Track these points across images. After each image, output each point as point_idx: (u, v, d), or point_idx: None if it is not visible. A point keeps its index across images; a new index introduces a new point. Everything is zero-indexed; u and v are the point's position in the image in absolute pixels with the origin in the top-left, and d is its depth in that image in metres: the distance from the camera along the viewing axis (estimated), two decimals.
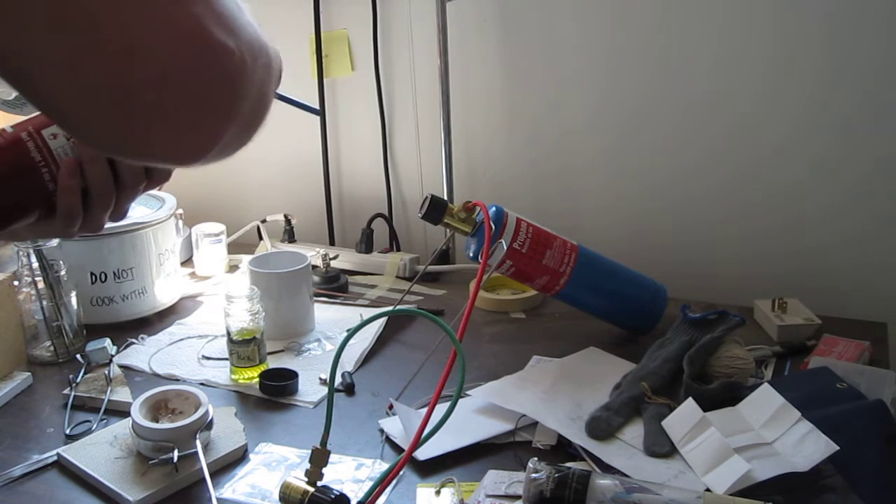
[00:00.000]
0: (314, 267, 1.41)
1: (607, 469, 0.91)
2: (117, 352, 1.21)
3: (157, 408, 0.99)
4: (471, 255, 1.19)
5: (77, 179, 0.61)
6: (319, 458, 0.86)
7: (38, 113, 0.64)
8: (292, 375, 1.12)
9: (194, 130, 0.43)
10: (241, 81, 0.43)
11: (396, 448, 0.98)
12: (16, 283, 1.18)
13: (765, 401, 0.96)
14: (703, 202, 1.44)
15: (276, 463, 0.96)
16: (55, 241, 1.19)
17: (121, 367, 1.18)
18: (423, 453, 0.94)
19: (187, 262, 1.56)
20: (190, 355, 1.22)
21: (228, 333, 1.13)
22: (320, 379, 1.14)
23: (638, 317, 1.24)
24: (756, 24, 1.32)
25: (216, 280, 1.51)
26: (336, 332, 1.29)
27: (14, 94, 1.20)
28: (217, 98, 0.43)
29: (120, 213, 0.66)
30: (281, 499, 0.85)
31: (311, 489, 0.84)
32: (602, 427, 0.97)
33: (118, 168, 0.63)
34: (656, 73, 1.40)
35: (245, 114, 0.45)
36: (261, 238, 1.62)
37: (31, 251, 1.17)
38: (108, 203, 0.64)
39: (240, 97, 0.44)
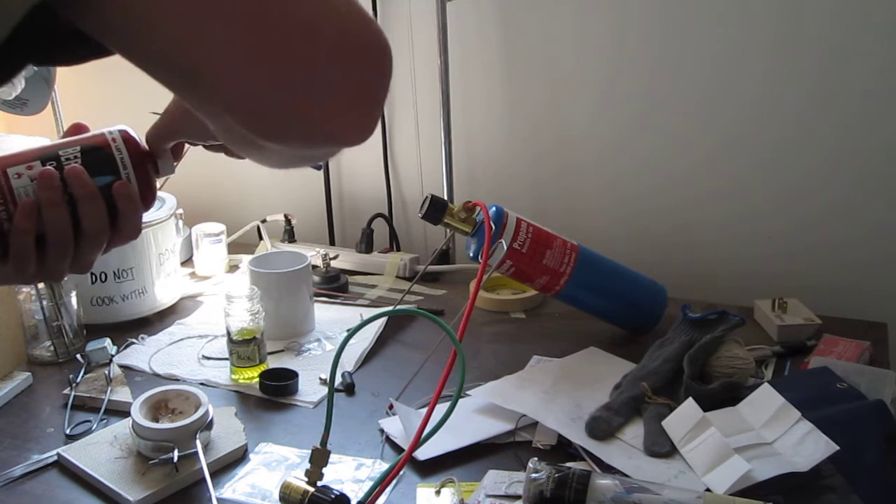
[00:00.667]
0: (314, 267, 1.41)
1: (607, 469, 0.91)
2: (117, 352, 1.21)
3: (157, 408, 0.99)
4: (471, 255, 1.19)
5: (32, 222, 0.59)
6: (319, 458, 0.86)
7: (11, 153, 0.62)
8: (292, 375, 1.12)
9: (363, 107, 0.46)
10: (390, 57, 0.46)
11: (396, 448, 0.98)
12: None
13: (765, 401, 0.96)
14: (703, 202, 1.44)
15: (276, 463, 0.96)
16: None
17: (121, 367, 1.18)
18: (423, 453, 0.94)
19: (187, 262, 1.56)
20: (190, 355, 1.22)
21: (228, 333, 1.13)
22: (320, 379, 1.14)
23: (638, 317, 1.24)
24: (756, 26, 1.32)
25: (216, 280, 1.51)
26: (336, 332, 1.29)
27: (14, 94, 1.20)
28: (378, 73, 0.45)
29: (82, 265, 0.64)
30: (281, 499, 0.85)
31: (311, 489, 0.84)
32: (602, 427, 0.97)
33: (80, 216, 0.61)
34: (656, 73, 1.40)
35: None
36: (261, 238, 1.62)
37: None
38: (65, 252, 0.61)
39: (390, 72, 0.46)
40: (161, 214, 1.33)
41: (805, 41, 1.30)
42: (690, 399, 0.97)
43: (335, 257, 1.49)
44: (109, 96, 1.73)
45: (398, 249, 1.61)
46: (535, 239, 1.17)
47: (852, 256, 1.37)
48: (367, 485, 0.89)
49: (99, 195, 0.61)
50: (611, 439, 0.97)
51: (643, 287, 1.25)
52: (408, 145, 1.61)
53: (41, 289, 1.18)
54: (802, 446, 0.88)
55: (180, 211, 1.45)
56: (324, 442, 0.86)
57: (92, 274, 1.27)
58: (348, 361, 1.18)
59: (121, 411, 1.06)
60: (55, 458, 0.97)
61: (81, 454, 0.96)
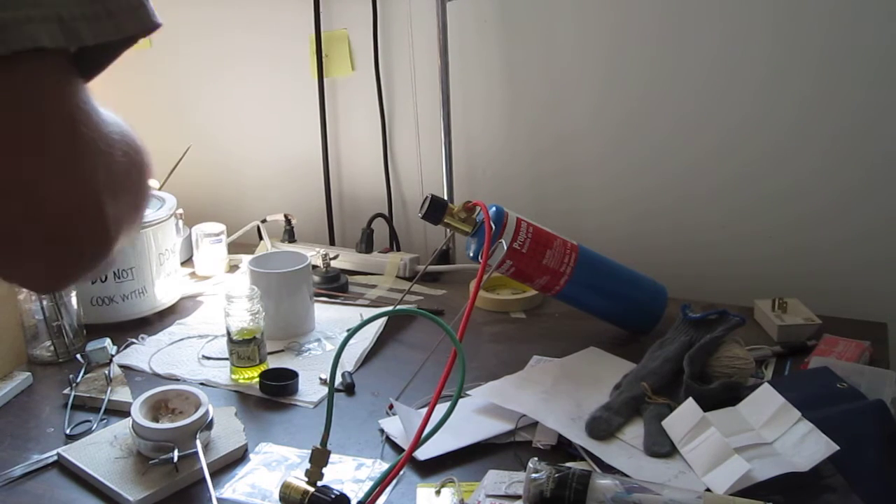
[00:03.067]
0: (314, 267, 1.41)
1: (607, 469, 0.91)
2: (117, 352, 1.21)
3: (157, 408, 0.99)
4: (471, 255, 1.19)
5: None
6: (319, 458, 0.86)
7: None
8: (292, 375, 1.12)
9: (56, 271, 0.45)
10: (109, 244, 0.45)
11: (396, 448, 0.98)
12: None
13: (765, 401, 0.96)
14: (703, 202, 1.44)
15: (276, 463, 0.96)
16: None
17: (121, 366, 1.18)
18: (423, 453, 0.94)
19: (187, 262, 1.55)
20: (190, 355, 1.22)
21: (228, 333, 1.13)
22: (320, 379, 1.14)
23: (638, 317, 1.24)
24: (755, 24, 1.32)
25: (216, 280, 1.51)
26: (336, 332, 1.29)
27: None
28: (80, 255, 0.45)
29: None
30: (281, 499, 0.85)
31: (311, 489, 0.84)
32: (602, 427, 0.97)
33: None
34: (656, 72, 1.40)
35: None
36: (261, 238, 1.62)
37: None
38: None
39: (104, 256, 0.46)
40: (161, 214, 1.33)
41: (805, 39, 1.30)
42: (690, 399, 0.97)
43: (335, 257, 1.49)
44: (109, 97, 1.73)
45: (398, 249, 1.61)
46: (535, 239, 1.17)
47: (852, 256, 1.37)
48: (367, 485, 0.89)
49: None
50: (611, 439, 0.97)
51: (643, 287, 1.25)
52: (408, 145, 1.61)
53: None
54: (802, 446, 0.88)
55: (180, 211, 1.45)
56: (324, 442, 0.86)
57: None
58: (348, 361, 1.18)
59: (121, 411, 1.06)
60: (55, 458, 0.97)
61: (81, 454, 0.95)
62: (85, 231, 0.44)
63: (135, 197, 0.47)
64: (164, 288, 1.35)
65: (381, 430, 1.01)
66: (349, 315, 1.35)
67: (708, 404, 0.97)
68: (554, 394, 1.05)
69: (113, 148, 0.44)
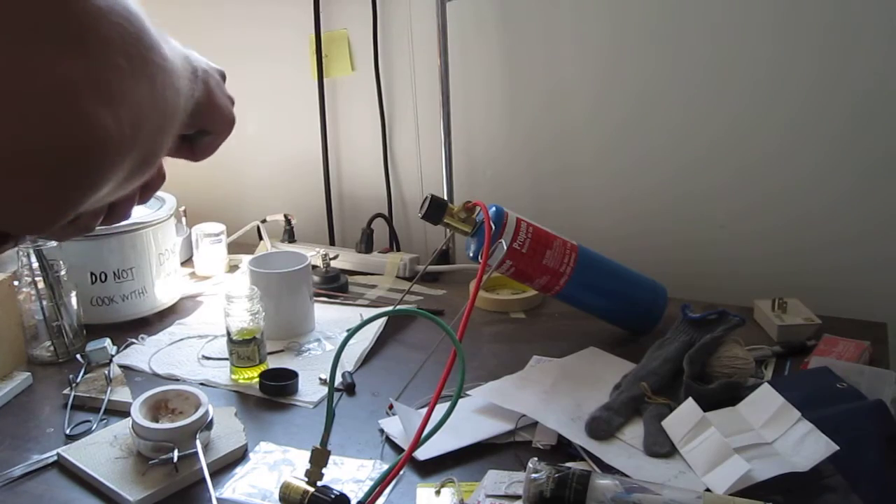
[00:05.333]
0: (314, 267, 1.41)
1: (607, 469, 0.91)
2: (117, 352, 1.21)
3: (157, 408, 0.99)
4: (471, 255, 1.19)
5: None
6: (319, 458, 0.86)
7: None
8: (292, 375, 1.12)
9: (37, 202, 0.38)
10: (105, 157, 0.38)
11: (396, 448, 0.98)
12: (16, 283, 1.18)
13: (765, 401, 0.96)
14: (703, 201, 1.44)
15: (276, 463, 0.96)
16: (55, 241, 1.19)
17: (121, 367, 1.18)
18: (423, 453, 0.94)
19: (187, 262, 1.56)
20: (190, 355, 1.22)
21: (228, 333, 1.13)
22: (320, 379, 1.14)
23: (638, 317, 1.24)
24: (755, 23, 1.32)
25: (216, 280, 1.51)
26: (336, 332, 1.29)
27: None
28: (68, 173, 0.37)
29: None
30: (281, 499, 0.85)
31: (311, 489, 0.84)
32: (602, 427, 0.97)
33: None
34: (655, 72, 1.40)
35: (114, 182, 0.41)
36: (261, 238, 1.62)
37: (31, 251, 1.17)
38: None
39: (101, 173, 0.39)
40: (161, 214, 1.33)
41: (804, 40, 1.30)
42: (690, 399, 0.97)
43: (335, 257, 1.49)
44: None
45: (398, 249, 1.61)
46: (535, 239, 1.17)
47: (852, 256, 1.37)
48: (367, 485, 0.89)
49: None
50: (611, 439, 0.97)
51: (643, 287, 1.25)
52: (408, 145, 1.61)
53: (41, 289, 1.18)
54: (802, 446, 0.88)
55: (183, 208, 1.45)
56: (324, 442, 0.86)
57: (92, 274, 1.27)
58: (348, 361, 1.18)
59: (121, 411, 1.06)
60: (55, 458, 0.97)
61: (81, 454, 0.95)
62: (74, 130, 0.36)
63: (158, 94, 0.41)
64: (164, 288, 1.35)
65: (381, 430, 1.01)
66: (349, 315, 1.35)
67: (708, 404, 0.97)
68: (554, 394, 1.05)
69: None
